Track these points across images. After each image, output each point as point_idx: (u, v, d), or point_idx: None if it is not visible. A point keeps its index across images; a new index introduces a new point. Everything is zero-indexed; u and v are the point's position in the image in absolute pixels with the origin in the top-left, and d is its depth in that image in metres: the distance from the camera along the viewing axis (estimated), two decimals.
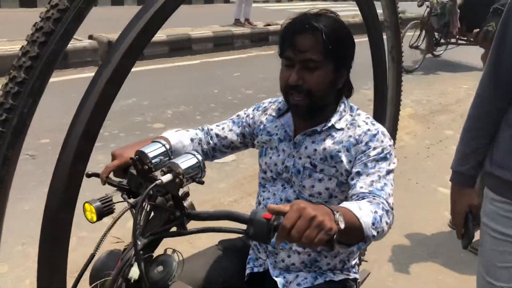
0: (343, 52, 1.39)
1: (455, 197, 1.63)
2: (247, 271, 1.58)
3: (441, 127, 5.31)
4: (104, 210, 1.18)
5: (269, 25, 9.58)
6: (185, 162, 1.06)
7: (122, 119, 4.70)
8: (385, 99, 1.93)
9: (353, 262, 1.60)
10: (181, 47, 7.66)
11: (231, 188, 3.51)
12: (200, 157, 1.09)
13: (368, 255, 2.73)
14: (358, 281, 1.65)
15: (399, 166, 3.89)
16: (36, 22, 0.85)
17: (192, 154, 1.09)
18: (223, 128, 1.63)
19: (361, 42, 2.09)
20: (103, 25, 6.99)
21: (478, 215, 1.59)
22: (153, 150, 1.13)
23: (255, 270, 1.57)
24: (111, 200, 1.21)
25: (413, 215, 3.32)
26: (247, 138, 1.63)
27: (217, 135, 1.62)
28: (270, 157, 1.52)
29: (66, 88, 5.32)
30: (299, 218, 0.95)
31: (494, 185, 1.48)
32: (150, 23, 0.87)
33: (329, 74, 1.37)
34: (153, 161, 1.12)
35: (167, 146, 1.17)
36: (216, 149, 1.62)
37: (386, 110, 1.97)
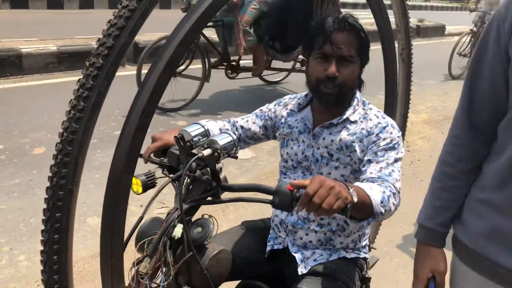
0: (367, 50, 1.58)
1: (417, 258, 1.36)
2: (268, 248, 1.75)
3: None
4: (149, 183, 1.38)
5: None
6: (222, 139, 1.25)
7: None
8: (395, 97, 2.09)
9: (364, 243, 1.77)
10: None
11: (251, 182, 3.69)
12: (234, 136, 1.29)
13: (379, 247, 2.90)
14: (368, 261, 1.83)
15: (413, 168, 4.10)
16: (110, 19, 1.04)
17: (227, 133, 1.29)
18: (247, 121, 1.81)
19: (378, 50, 2.27)
20: None
21: (442, 285, 1.32)
22: (194, 130, 1.33)
23: (275, 247, 1.74)
24: (154, 175, 1.41)
25: None
26: (268, 130, 1.81)
27: (242, 126, 1.80)
28: (291, 148, 1.70)
29: None
30: (320, 187, 1.12)
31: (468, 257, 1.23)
32: (199, 19, 1.06)
33: (357, 69, 1.56)
34: (194, 139, 1.31)
35: (206, 127, 1.36)
36: (240, 140, 1.81)
37: (396, 107, 2.13)
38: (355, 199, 1.19)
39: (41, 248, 1.07)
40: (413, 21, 11.69)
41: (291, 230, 1.69)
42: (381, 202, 1.34)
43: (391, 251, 2.96)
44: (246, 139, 1.81)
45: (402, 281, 2.70)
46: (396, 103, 2.17)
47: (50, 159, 3.02)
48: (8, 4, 11.72)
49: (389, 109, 2.13)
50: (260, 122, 1.80)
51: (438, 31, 14.10)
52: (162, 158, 1.49)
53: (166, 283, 1.22)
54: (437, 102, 6.64)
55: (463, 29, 15.59)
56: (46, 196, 1.06)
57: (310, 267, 1.64)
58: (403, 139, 2.28)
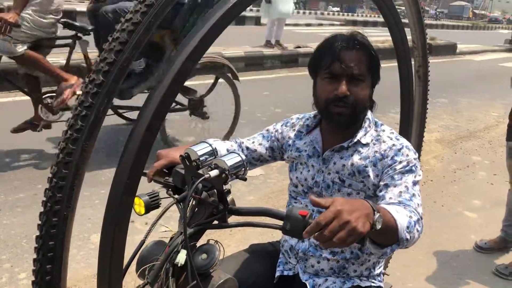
0: (378, 69, 1.51)
1: None
2: (277, 274, 1.66)
3: (468, 152, 5.32)
4: (152, 204, 1.31)
5: (299, 47, 9.79)
6: (230, 160, 1.18)
7: None
8: (411, 116, 2.01)
9: (378, 271, 1.68)
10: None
11: (259, 201, 3.61)
12: (243, 156, 1.21)
13: (393, 272, 2.79)
14: (382, 279, 1.73)
15: (425, 189, 3.99)
16: (112, 33, 0.98)
17: (236, 153, 1.21)
18: (253, 142, 1.74)
19: (391, 67, 2.20)
20: None
21: None
22: (201, 149, 1.26)
23: (285, 273, 1.65)
24: (158, 195, 1.33)
25: (439, 237, 3.35)
26: (275, 152, 1.73)
27: (247, 148, 1.72)
28: (301, 172, 1.61)
29: None
30: (334, 220, 1.02)
31: None
32: (209, 33, 1.00)
33: (368, 88, 1.48)
34: (200, 158, 1.24)
35: (213, 146, 1.29)
36: (247, 162, 1.73)
37: (412, 126, 2.05)
38: (378, 227, 1.09)
39: (33, 278, 0.99)
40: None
41: (301, 257, 1.60)
42: (407, 227, 1.24)
43: (404, 276, 2.85)
44: (253, 160, 1.73)
45: None
46: (412, 123, 2.09)
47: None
48: None
49: (405, 129, 2.06)
50: (267, 144, 1.73)
51: (450, 49, 14.04)
52: (167, 178, 1.42)
53: None
54: (449, 121, 6.55)
55: (475, 47, 15.58)
56: (39, 222, 0.98)
57: None
58: (419, 160, 2.20)
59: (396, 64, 1.91)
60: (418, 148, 2.19)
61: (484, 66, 12.31)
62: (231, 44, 8.99)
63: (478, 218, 3.71)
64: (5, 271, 2.55)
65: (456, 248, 3.24)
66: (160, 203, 1.34)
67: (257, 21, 16.97)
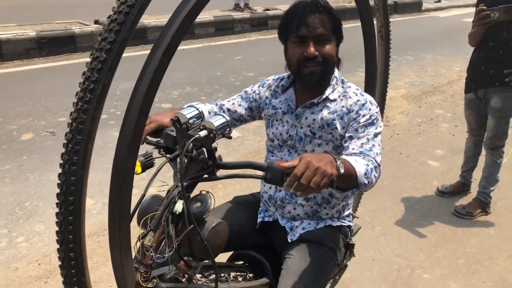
0: (341, 29, 1.68)
1: None
2: (259, 220, 1.88)
3: (432, 106, 5.61)
4: (147, 163, 1.49)
5: (268, 10, 9.81)
6: (217, 121, 1.36)
7: None
8: (375, 73, 2.20)
9: (347, 212, 1.91)
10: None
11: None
12: (228, 118, 1.39)
13: (362, 217, 3.07)
14: (352, 228, 1.98)
15: (392, 142, 4.28)
16: (110, 15, 1.13)
17: (221, 115, 1.39)
18: (233, 104, 1.91)
19: (356, 27, 2.37)
20: (107, 9, 7.20)
21: None
22: (189, 112, 1.43)
23: (266, 219, 1.87)
24: (152, 155, 1.51)
25: (404, 185, 3.65)
26: (254, 112, 1.91)
27: (228, 109, 1.90)
28: (276, 128, 1.81)
29: (76, 70, 5.59)
30: (307, 169, 1.23)
31: None
32: (195, 6, 1.16)
33: (333, 47, 1.66)
34: (189, 121, 1.41)
35: (200, 110, 1.46)
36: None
37: (375, 83, 2.24)
38: (342, 171, 1.30)
39: (57, 229, 1.16)
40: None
41: (280, 205, 1.82)
42: (365, 174, 1.44)
43: (372, 220, 3.13)
44: (233, 121, 1.91)
45: (384, 246, 2.87)
46: (376, 80, 2.28)
47: (38, 145, 3.20)
48: None
49: (369, 86, 2.25)
50: (246, 104, 1.90)
51: (415, 7, 14.20)
52: (158, 139, 1.59)
53: (169, 254, 1.34)
54: (414, 78, 6.82)
55: (440, 4, 15.82)
56: (59, 182, 1.14)
57: (298, 235, 1.78)
58: (383, 114, 2.41)
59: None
60: (382, 103, 2.39)
61: (448, 22, 12.58)
62: None
63: (440, 166, 4.02)
64: (3, 236, 2.71)
65: (420, 194, 3.55)
66: (154, 163, 1.51)
67: None
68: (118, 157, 1.20)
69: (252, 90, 1.91)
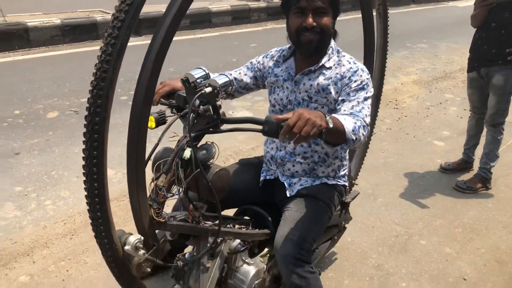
0: (337, 4, 1.86)
1: None
2: (261, 178, 2.08)
3: (442, 91, 5.71)
4: (160, 119, 1.69)
5: None
6: (220, 79, 1.57)
7: None
8: (373, 49, 2.37)
9: (343, 173, 2.09)
10: (201, 20, 8.13)
11: (249, 139, 4.02)
12: (231, 77, 1.59)
13: (365, 190, 3.25)
14: (347, 188, 2.16)
15: (400, 123, 4.44)
16: None
17: (225, 74, 1.60)
18: (239, 73, 2.10)
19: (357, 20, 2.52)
20: None
21: None
22: (197, 73, 1.63)
23: (268, 177, 2.07)
24: (165, 113, 1.72)
25: (409, 162, 3.81)
26: (258, 80, 2.10)
27: (235, 78, 2.08)
28: (278, 94, 2.00)
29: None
30: (299, 120, 1.42)
31: None
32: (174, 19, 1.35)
33: (330, 19, 1.83)
34: (197, 80, 1.62)
35: (207, 71, 1.66)
36: (235, 90, 2.10)
37: (374, 59, 2.41)
38: (331, 125, 1.48)
39: (83, 163, 1.37)
40: None
41: (280, 163, 2.01)
42: (353, 130, 1.61)
43: (375, 193, 3.30)
44: (240, 89, 2.10)
45: (384, 216, 3.04)
46: (374, 54, 2.45)
47: (63, 122, 3.55)
48: None
49: (368, 60, 2.41)
50: (251, 74, 2.09)
51: None
52: (171, 100, 1.80)
53: (180, 193, 1.55)
54: (427, 64, 6.90)
55: None
56: (85, 122, 1.35)
57: (296, 190, 1.97)
58: (381, 88, 2.59)
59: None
60: (381, 77, 2.54)
61: (466, 11, 12.46)
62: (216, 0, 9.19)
63: (446, 146, 4.15)
64: (33, 200, 2.97)
65: (423, 170, 3.70)
66: (167, 120, 1.72)
67: None
68: (134, 108, 1.41)
69: (257, 60, 2.10)
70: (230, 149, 3.84)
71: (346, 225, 2.51)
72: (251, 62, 2.12)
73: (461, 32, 9.27)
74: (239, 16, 8.77)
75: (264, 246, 2.07)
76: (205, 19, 8.20)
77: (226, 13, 8.57)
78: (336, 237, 2.48)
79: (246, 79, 2.08)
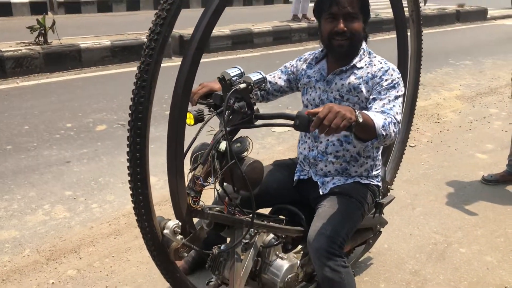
0: (368, 9, 1.94)
1: None
2: (295, 178, 2.15)
3: (487, 106, 5.59)
4: (198, 117, 1.81)
5: None
6: (254, 76, 1.66)
7: None
8: (407, 54, 2.41)
9: (376, 173, 2.13)
10: (243, 40, 8.36)
11: (286, 151, 4.10)
12: (264, 74, 1.69)
13: (403, 199, 3.25)
14: (380, 189, 2.19)
15: (441, 136, 4.41)
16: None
17: (258, 72, 1.69)
18: (274, 77, 2.20)
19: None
20: None
21: None
22: (233, 71, 1.73)
23: (301, 177, 2.14)
24: (203, 111, 1.83)
25: (449, 173, 3.75)
26: (292, 83, 2.19)
27: (270, 81, 2.18)
28: (310, 94, 2.07)
29: None
30: (329, 113, 1.48)
31: None
32: (211, 19, 1.46)
33: (360, 24, 1.91)
34: (232, 78, 1.72)
35: (242, 70, 1.76)
36: (269, 93, 2.20)
37: (408, 63, 2.44)
38: (360, 120, 1.53)
39: (127, 149, 1.47)
40: (452, 7, 11.64)
41: (313, 163, 2.08)
42: (383, 126, 1.66)
43: (413, 202, 3.28)
44: (274, 92, 2.20)
45: (422, 224, 3.01)
46: (409, 61, 2.48)
47: (111, 134, 3.83)
48: (63, 9, 12.65)
49: (402, 65, 2.45)
50: (285, 77, 2.18)
51: (480, 15, 13.89)
52: (209, 99, 1.92)
53: (214, 182, 1.64)
54: (471, 80, 6.78)
55: (507, 12, 15.33)
56: (130, 112, 1.47)
57: (329, 189, 2.02)
58: (417, 94, 2.61)
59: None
60: (416, 81, 2.56)
61: None
62: (259, 21, 9.42)
63: (489, 159, 4.06)
64: (81, 203, 3.15)
65: (465, 181, 3.63)
66: (204, 117, 1.83)
67: None
68: (175, 97, 1.52)
69: (290, 64, 2.20)
70: (269, 160, 3.92)
71: (382, 230, 2.52)
72: (285, 66, 2.22)
73: (508, 49, 9.09)
74: (280, 37, 8.95)
75: (298, 243, 2.12)
76: (247, 40, 8.42)
77: (267, 33, 8.78)
78: (371, 241, 2.49)
79: (281, 82, 2.18)
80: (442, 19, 12.40)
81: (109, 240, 2.74)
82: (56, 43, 6.55)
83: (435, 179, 3.67)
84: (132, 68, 6.77)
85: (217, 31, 7.95)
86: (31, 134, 4.29)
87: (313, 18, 9.92)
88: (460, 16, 13.18)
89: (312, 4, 8.61)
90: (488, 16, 14.19)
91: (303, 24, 9.56)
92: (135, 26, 8.53)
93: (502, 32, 11.73)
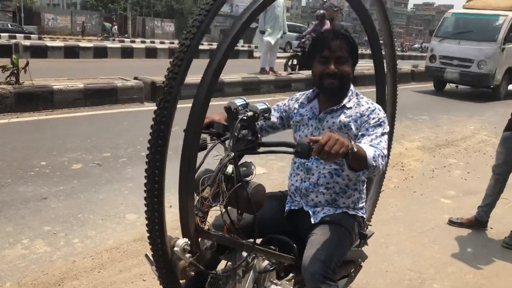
0: (356, 54, 2.15)
1: None
2: (286, 208, 2.26)
3: (446, 156, 5.96)
4: (202, 145, 1.91)
5: (291, 73, 10.57)
6: (260, 106, 1.81)
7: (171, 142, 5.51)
8: (384, 100, 2.63)
9: (361, 205, 2.27)
10: (215, 89, 8.57)
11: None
12: (268, 105, 1.84)
13: (377, 239, 3.40)
14: (365, 220, 2.33)
15: (406, 182, 4.67)
16: (193, 17, 1.59)
17: (263, 103, 1.84)
18: None
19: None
20: (142, 71, 8.04)
21: None
22: (239, 102, 1.87)
23: (292, 207, 2.25)
24: (206, 140, 1.95)
25: (417, 216, 3.96)
26: (284, 120, 2.35)
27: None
28: (303, 131, 2.23)
29: (117, 118, 6.30)
30: (329, 140, 1.64)
31: None
32: (231, 43, 1.63)
33: (350, 67, 2.11)
34: (238, 107, 1.85)
35: (247, 101, 1.91)
36: (262, 129, 2.34)
37: (386, 109, 2.66)
38: (355, 149, 1.70)
39: (147, 152, 1.52)
40: (407, 68, 12.54)
41: (304, 194, 2.20)
42: (373, 157, 1.84)
43: (387, 241, 3.43)
44: (267, 127, 2.34)
45: (397, 261, 3.16)
46: (386, 107, 2.70)
47: (87, 173, 3.92)
48: (29, 53, 12.65)
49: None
50: (277, 114, 2.34)
51: None
52: (211, 129, 2.04)
53: (222, 203, 1.73)
54: (430, 133, 7.22)
55: None
56: (151, 131, 1.54)
57: (320, 218, 2.14)
58: (392, 136, 2.82)
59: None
60: (391, 125, 2.78)
61: (465, 88, 13.16)
62: (229, 72, 9.75)
63: (452, 203, 4.33)
64: (61, 238, 3.11)
65: (432, 224, 3.84)
66: (207, 146, 1.94)
67: (249, 54, 18.31)
68: (195, 107, 1.63)
69: (283, 103, 2.37)
70: None
71: (362, 264, 2.64)
72: (277, 105, 2.38)
73: (461, 107, 9.77)
74: (249, 87, 9.27)
75: (289, 272, 2.20)
76: (219, 89, 8.66)
77: (237, 84, 9.09)
78: (353, 274, 2.59)
79: (273, 119, 2.33)
80: (399, 78, 13.14)
81: (93, 274, 2.72)
82: (28, 83, 6.54)
83: (405, 220, 3.86)
84: (104, 111, 6.83)
85: (191, 79, 8.16)
86: (3, 171, 4.23)
87: (280, 71, 10.45)
88: (415, 76, 14.11)
89: (278, 60, 8.97)
90: None
91: (271, 76, 9.95)
92: (104, 72, 8.64)
93: (454, 92, 12.60)
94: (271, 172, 4.76)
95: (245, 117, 1.77)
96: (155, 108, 1.53)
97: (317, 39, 2.16)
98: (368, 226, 2.71)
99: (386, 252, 3.28)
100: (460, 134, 7.26)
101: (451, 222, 3.83)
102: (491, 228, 3.82)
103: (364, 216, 2.30)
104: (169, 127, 1.52)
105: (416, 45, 67.70)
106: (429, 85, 13.13)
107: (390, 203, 4.22)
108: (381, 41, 2.53)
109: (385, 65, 2.63)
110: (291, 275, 2.22)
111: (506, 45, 11.06)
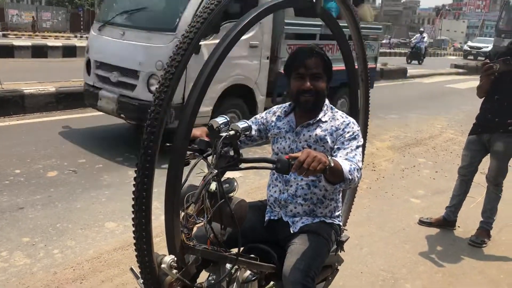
0: (331, 70, 2.24)
1: None
2: (266, 218, 2.34)
3: (415, 156, 6.18)
4: (184, 162, 1.98)
5: None
6: (242, 124, 1.88)
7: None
8: (357, 108, 2.74)
9: (337, 213, 2.38)
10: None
11: (241, 196, 4.26)
12: (250, 123, 1.91)
13: (350, 241, 3.49)
14: (342, 228, 2.43)
15: (378, 183, 4.82)
16: (192, 21, 1.64)
17: (244, 121, 1.91)
18: None
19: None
20: None
21: None
22: (221, 120, 1.94)
23: (272, 217, 2.34)
24: (188, 157, 2.01)
25: (389, 217, 4.12)
26: (262, 133, 2.42)
27: None
28: (280, 143, 2.32)
29: (91, 122, 6.24)
30: (307, 157, 1.73)
31: None
32: (219, 58, 1.70)
33: (325, 83, 2.20)
34: (221, 126, 1.92)
35: (228, 119, 1.98)
36: (241, 141, 2.41)
37: (358, 117, 2.77)
38: (332, 164, 1.79)
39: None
40: (377, 66, 12.64)
41: (283, 205, 2.29)
42: (349, 171, 1.93)
43: (360, 243, 3.57)
44: (246, 140, 2.42)
45: (370, 263, 3.30)
46: (359, 115, 2.82)
47: (63, 180, 3.94)
48: None
49: (353, 117, 2.77)
50: (255, 127, 2.41)
51: (401, 73, 15.29)
52: (193, 145, 2.10)
53: (207, 220, 1.80)
54: (399, 132, 7.45)
55: (424, 71, 16.93)
56: (139, 155, 1.59)
57: (299, 227, 2.23)
58: (365, 144, 2.94)
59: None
60: (364, 133, 2.89)
61: (432, 87, 13.56)
62: None
63: (422, 203, 4.51)
64: (41, 249, 3.12)
65: (403, 224, 4.00)
66: (190, 162, 2.01)
67: None
68: (175, 146, 1.69)
69: (260, 116, 2.44)
70: None
71: (339, 267, 2.75)
72: (255, 118, 2.45)
73: (428, 106, 10.06)
74: None
75: (270, 280, 2.29)
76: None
77: None
78: (330, 278, 2.70)
79: (252, 132, 2.41)
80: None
81: (75, 285, 2.75)
82: None
83: (377, 221, 4.01)
84: (77, 115, 6.77)
85: None
86: None
87: None
88: (384, 74, 14.40)
89: None
90: (408, 74, 15.61)
91: None
92: (75, 74, 8.51)
93: (421, 89, 12.96)
94: (246, 175, 4.83)
95: (227, 135, 1.84)
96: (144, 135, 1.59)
97: (293, 56, 2.24)
98: (344, 231, 2.83)
99: (360, 254, 3.41)
100: (428, 133, 7.51)
101: (421, 222, 4.00)
102: (458, 227, 4.01)
103: (341, 223, 2.41)
104: (156, 151, 1.58)
105: (384, 41, 69.05)
106: (399, 83, 13.47)
107: (364, 204, 4.37)
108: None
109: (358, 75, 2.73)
110: (271, 283, 2.31)
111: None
